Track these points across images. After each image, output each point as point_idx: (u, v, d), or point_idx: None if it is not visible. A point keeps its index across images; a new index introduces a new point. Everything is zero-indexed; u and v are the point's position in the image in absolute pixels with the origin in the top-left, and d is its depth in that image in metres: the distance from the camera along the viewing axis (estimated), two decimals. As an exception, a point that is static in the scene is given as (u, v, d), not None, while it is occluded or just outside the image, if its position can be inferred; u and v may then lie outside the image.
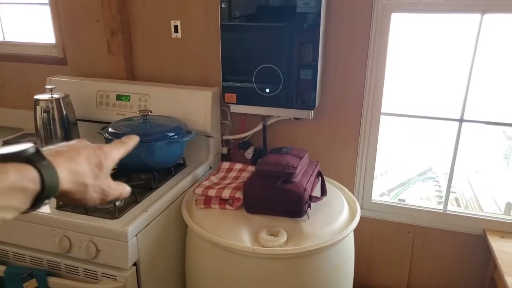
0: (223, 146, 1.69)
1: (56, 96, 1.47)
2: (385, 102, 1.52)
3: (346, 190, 1.38)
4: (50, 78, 1.71)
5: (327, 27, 1.44)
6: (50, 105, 1.45)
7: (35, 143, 0.43)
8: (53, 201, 1.18)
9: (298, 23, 1.35)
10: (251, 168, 1.43)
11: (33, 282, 1.13)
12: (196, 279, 1.25)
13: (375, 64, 1.47)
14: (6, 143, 1.75)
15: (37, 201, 0.42)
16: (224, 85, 1.49)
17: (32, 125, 1.88)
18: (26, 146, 0.41)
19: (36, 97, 1.46)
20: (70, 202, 0.50)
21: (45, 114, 1.45)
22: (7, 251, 1.20)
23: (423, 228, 1.63)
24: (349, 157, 1.60)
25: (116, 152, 0.55)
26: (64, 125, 1.49)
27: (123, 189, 0.56)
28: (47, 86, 1.52)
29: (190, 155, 1.53)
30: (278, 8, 1.36)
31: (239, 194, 1.23)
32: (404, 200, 1.91)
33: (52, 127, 1.46)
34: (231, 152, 1.71)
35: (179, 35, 1.63)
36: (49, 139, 1.47)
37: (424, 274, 1.71)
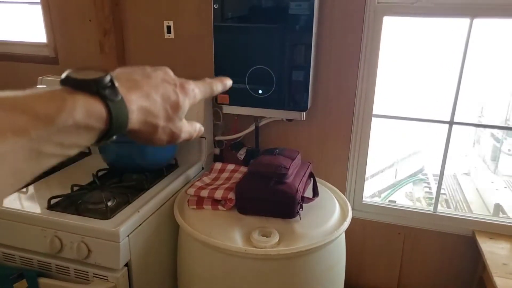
0: (215, 147, 1.70)
1: (47, 95, 1.46)
2: (376, 104, 1.54)
3: (338, 191, 1.39)
4: (41, 77, 1.70)
5: (319, 29, 1.45)
6: (41, 105, 1.44)
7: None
8: (45, 198, 1.17)
9: (290, 25, 1.36)
10: (244, 169, 1.43)
11: (23, 283, 1.11)
12: (188, 279, 1.25)
13: (367, 66, 1.49)
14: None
15: (102, 138, 0.37)
16: (217, 86, 1.49)
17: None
18: (101, 74, 0.36)
19: (27, 96, 1.45)
20: (134, 139, 0.43)
21: (36, 114, 1.43)
22: (-3, 252, 1.19)
23: (413, 229, 1.65)
24: (341, 159, 1.61)
25: (199, 92, 0.47)
26: (55, 125, 1.47)
27: (195, 130, 0.49)
28: (38, 86, 1.50)
29: (182, 155, 1.52)
30: (271, 10, 1.37)
31: (231, 195, 1.23)
32: (394, 202, 1.93)
33: (43, 127, 1.45)
34: (224, 153, 1.71)
35: (171, 35, 1.63)
36: (39, 139, 1.46)
37: (414, 275, 1.73)
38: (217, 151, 1.69)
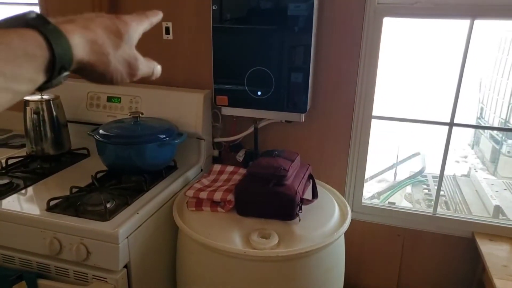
0: (214, 149, 1.69)
1: (46, 97, 1.46)
2: (376, 106, 1.54)
3: (337, 193, 1.39)
4: (40, 79, 1.69)
5: (319, 30, 1.45)
6: (40, 106, 1.44)
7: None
8: (44, 199, 1.17)
9: (290, 26, 1.36)
10: (243, 171, 1.43)
11: (23, 285, 1.11)
12: (187, 281, 1.24)
13: (367, 67, 1.49)
14: (-6, 144, 1.73)
15: (52, 71, 0.36)
16: (216, 88, 1.49)
17: (22, 126, 1.86)
18: (25, 12, 0.36)
19: (26, 98, 1.45)
20: (95, 79, 0.42)
21: (35, 116, 1.43)
22: (-5, 253, 1.18)
23: (413, 231, 1.65)
24: (340, 160, 1.61)
25: (138, 23, 0.47)
26: (54, 127, 1.47)
27: (155, 66, 0.50)
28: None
29: (181, 157, 1.52)
30: (270, 11, 1.36)
31: (230, 197, 1.23)
32: (394, 203, 1.92)
33: (42, 129, 1.45)
34: (223, 155, 1.71)
35: (170, 37, 1.63)
36: (38, 140, 1.46)
37: (413, 277, 1.73)
38: (216, 153, 1.69)
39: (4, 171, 1.40)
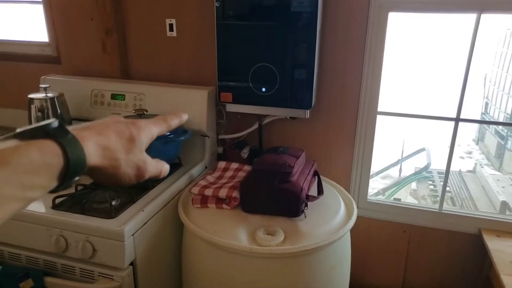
0: (218, 146, 1.69)
1: (50, 95, 1.46)
2: (381, 101, 1.53)
3: (343, 189, 1.39)
4: (44, 77, 1.70)
5: (323, 26, 1.44)
6: (44, 104, 1.44)
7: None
8: (49, 197, 1.17)
9: (294, 22, 1.35)
10: (248, 168, 1.42)
11: (29, 282, 1.11)
12: (192, 278, 1.24)
13: (372, 63, 1.48)
14: None
15: (65, 177, 0.38)
16: (220, 84, 1.49)
17: (26, 124, 1.86)
18: (48, 121, 0.39)
19: (30, 96, 1.45)
20: (104, 181, 0.45)
21: (39, 113, 1.43)
22: (3, 251, 1.19)
23: (419, 228, 1.64)
24: (345, 156, 1.60)
25: (154, 127, 0.50)
26: (59, 125, 1.47)
27: (162, 166, 0.52)
28: (41, 85, 1.50)
29: (185, 154, 1.52)
30: (273, 7, 1.35)
31: (235, 194, 1.22)
32: (399, 200, 1.91)
33: (46, 127, 1.45)
34: (227, 152, 1.71)
35: (174, 33, 1.62)
36: (43, 138, 1.46)
37: (419, 273, 1.72)
38: (220, 150, 1.69)
39: (9, 169, 1.40)
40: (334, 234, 1.13)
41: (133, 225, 1.11)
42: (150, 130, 0.49)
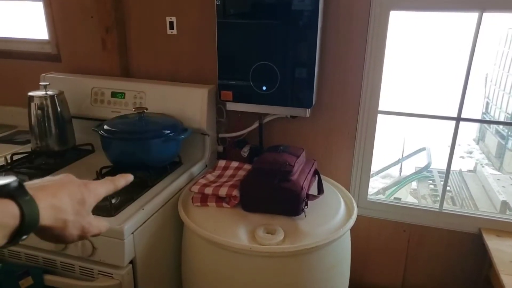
0: (218, 144, 1.69)
1: (50, 93, 1.45)
2: (382, 100, 1.52)
3: (343, 188, 1.38)
4: (44, 74, 1.69)
5: (324, 24, 1.44)
6: (44, 102, 1.44)
7: (19, 176, 0.42)
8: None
9: (295, 21, 1.34)
10: (248, 166, 1.42)
11: (29, 280, 1.11)
12: (192, 277, 1.24)
13: (373, 62, 1.47)
14: (2, 140, 1.73)
15: (15, 236, 0.41)
16: (220, 83, 1.48)
17: (26, 122, 1.86)
18: (9, 179, 0.41)
19: (30, 93, 1.44)
20: (49, 239, 0.48)
21: (39, 111, 1.43)
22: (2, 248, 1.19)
23: (419, 227, 1.64)
24: (346, 156, 1.60)
25: (102, 189, 0.54)
26: (58, 122, 1.47)
27: (103, 225, 0.55)
28: (41, 83, 1.50)
29: (185, 153, 1.52)
30: (274, 5, 1.35)
31: (235, 192, 1.22)
32: (400, 199, 1.91)
33: (46, 124, 1.45)
34: (227, 150, 1.71)
35: (174, 31, 1.62)
36: (43, 136, 1.46)
37: (419, 273, 1.72)
38: (220, 148, 1.68)
39: (9, 167, 1.40)
40: (334, 233, 1.12)
41: (132, 224, 1.11)
42: (99, 193, 0.53)
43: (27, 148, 1.59)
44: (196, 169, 1.50)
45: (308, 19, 1.33)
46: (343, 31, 1.46)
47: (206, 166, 1.57)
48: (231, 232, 1.12)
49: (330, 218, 1.20)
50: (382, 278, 1.77)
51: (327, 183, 1.39)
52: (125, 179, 0.59)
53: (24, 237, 0.42)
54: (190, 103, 1.52)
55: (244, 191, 1.22)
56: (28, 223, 0.41)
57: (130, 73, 1.73)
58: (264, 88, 1.44)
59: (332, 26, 1.46)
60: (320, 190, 1.30)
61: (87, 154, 1.57)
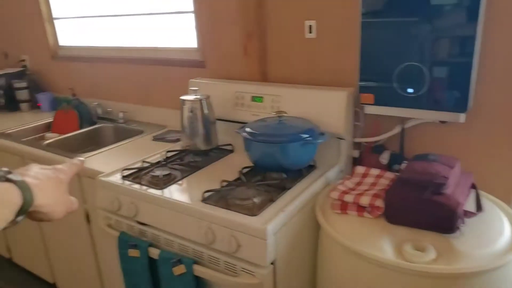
0: (354, 149, 1.63)
1: (199, 97, 1.59)
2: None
3: (506, 206, 1.19)
4: (192, 80, 1.86)
5: (486, 19, 1.26)
6: (194, 105, 1.57)
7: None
8: (198, 191, 1.27)
9: (449, 17, 1.21)
10: (390, 175, 1.33)
11: (182, 268, 1.22)
12: (329, 285, 1.22)
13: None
14: (156, 138, 1.96)
15: (17, 214, 0.49)
16: (361, 85, 1.42)
17: (173, 122, 2.08)
18: (2, 169, 0.50)
19: (183, 97, 1.60)
20: (38, 218, 0.55)
21: (190, 113, 1.57)
22: (160, 236, 1.33)
23: None
24: (509, 169, 1.38)
25: (70, 171, 0.62)
26: (205, 124, 1.60)
27: (75, 201, 0.63)
28: (192, 88, 1.65)
29: (320, 157, 1.50)
30: (425, 1, 1.24)
31: (379, 202, 1.16)
32: None
33: (195, 125, 1.58)
34: (363, 156, 1.63)
35: (313, 35, 1.61)
36: (192, 136, 1.60)
37: None
38: (356, 153, 1.62)
39: (164, 162, 1.57)
40: (499, 259, 0.98)
41: (275, 225, 1.13)
42: (69, 173, 0.62)
43: (177, 146, 1.76)
44: (331, 174, 1.47)
45: (466, 14, 1.19)
46: (509, 24, 1.26)
47: (341, 171, 1.53)
48: (374, 244, 1.06)
49: (492, 241, 1.04)
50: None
51: (486, 200, 1.22)
52: (82, 163, 0.68)
53: (21, 217, 0.50)
54: (327, 107, 1.49)
55: (390, 202, 1.15)
56: (27, 202, 0.49)
57: (267, 77, 1.78)
58: (410, 90, 1.33)
59: (495, 20, 1.27)
60: (478, 206, 1.15)
61: (228, 153, 1.68)
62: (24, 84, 2.73)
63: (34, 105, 2.76)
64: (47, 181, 0.55)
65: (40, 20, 2.67)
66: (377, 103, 1.42)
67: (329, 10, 1.55)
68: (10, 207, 0.47)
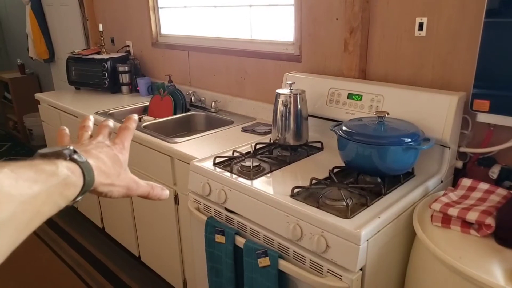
0: (457, 159, 1.49)
1: (294, 91, 1.57)
2: None
3: None
4: (287, 74, 1.85)
5: None
6: (288, 99, 1.56)
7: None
8: (286, 186, 1.26)
9: None
10: (503, 191, 1.19)
11: (267, 260, 1.22)
12: (421, 302, 1.13)
13: None
14: (244, 129, 1.99)
15: (79, 194, 0.48)
16: (475, 91, 1.29)
17: (261, 115, 2.08)
18: (62, 147, 0.48)
19: (278, 91, 1.59)
20: (98, 194, 0.54)
21: (284, 108, 1.56)
22: (246, 225, 1.35)
23: None
24: None
25: (127, 142, 0.60)
26: (297, 119, 1.57)
27: (156, 185, 0.61)
28: (287, 82, 1.63)
29: (419, 163, 1.39)
30: None
31: (489, 221, 1.04)
32: None
33: (287, 120, 1.57)
34: (468, 167, 1.49)
35: (423, 33, 1.50)
36: (283, 130, 1.59)
37: None
38: (459, 164, 1.48)
39: (253, 154, 1.58)
40: None
41: (369, 230, 1.07)
42: (126, 146, 0.59)
43: (266, 139, 1.77)
44: (431, 183, 1.36)
45: None
46: None
47: (442, 181, 1.41)
48: (481, 265, 0.96)
49: None
50: None
51: None
52: (133, 121, 0.64)
53: (80, 197, 0.49)
54: (433, 111, 1.38)
55: (502, 221, 1.03)
56: (88, 184, 0.48)
57: (366, 75, 1.71)
58: (536, 100, 1.18)
59: None
60: None
61: (317, 151, 1.64)
62: (126, 68, 2.95)
63: (134, 89, 2.98)
64: (107, 160, 0.54)
65: (146, 9, 2.86)
66: (493, 111, 1.28)
67: (446, 7, 1.42)
68: (73, 189, 0.47)
